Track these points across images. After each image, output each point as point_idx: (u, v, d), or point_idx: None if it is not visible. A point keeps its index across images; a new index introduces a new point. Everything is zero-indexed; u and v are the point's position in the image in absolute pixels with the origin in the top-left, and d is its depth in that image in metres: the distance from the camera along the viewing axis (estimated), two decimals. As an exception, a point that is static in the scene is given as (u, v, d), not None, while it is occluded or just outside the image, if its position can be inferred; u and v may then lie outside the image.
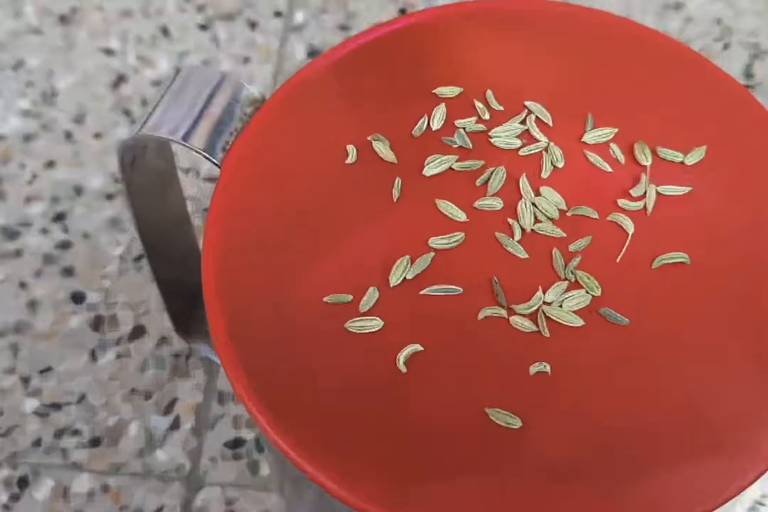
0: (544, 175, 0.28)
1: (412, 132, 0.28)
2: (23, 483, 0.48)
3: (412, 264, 0.26)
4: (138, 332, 0.52)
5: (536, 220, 0.27)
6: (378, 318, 0.25)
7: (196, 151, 0.27)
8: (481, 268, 0.26)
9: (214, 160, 0.27)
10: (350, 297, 0.25)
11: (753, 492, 0.43)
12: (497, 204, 0.27)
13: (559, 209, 0.27)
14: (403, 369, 0.24)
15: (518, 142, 0.28)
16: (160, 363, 0.51)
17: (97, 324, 0.52)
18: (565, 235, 0.26)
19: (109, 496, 0.48)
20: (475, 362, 0.25)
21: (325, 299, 0.26)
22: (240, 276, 0.26)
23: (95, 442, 0.49)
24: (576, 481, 0.23)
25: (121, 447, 0.49)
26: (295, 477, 0.26)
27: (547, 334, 0.25)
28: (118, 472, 0.48)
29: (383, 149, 0.28)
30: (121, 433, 0.49)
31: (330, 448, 0.24)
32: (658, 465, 0.23)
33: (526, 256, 0.26)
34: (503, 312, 0.25)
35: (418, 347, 0.25)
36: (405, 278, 0.26)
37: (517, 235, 0.27)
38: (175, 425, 0.50)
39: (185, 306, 0.40)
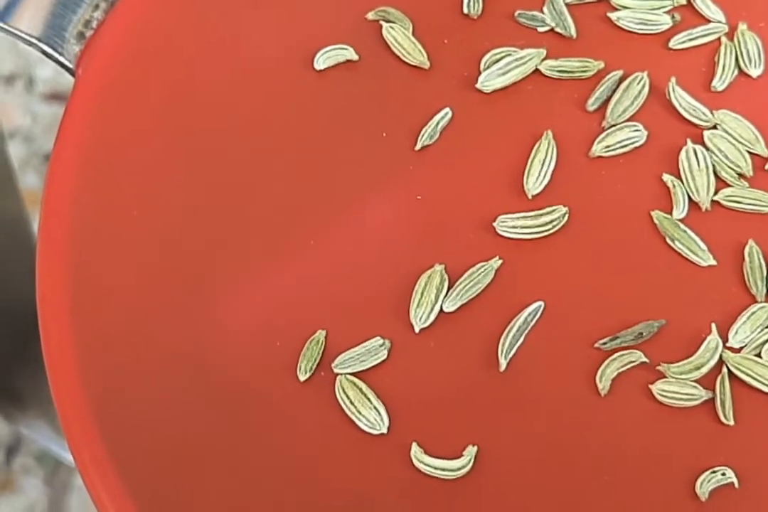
0: (720, 84, 0.22)
1: (461, 4, 0.23)
2: None
3: (452, 280, 0.21)
4: None
5: (719, 181, 0.21)
6: (377, 402, 0.20)
7: (26, 41, 0.22)
8: (602, 283, 0.21)
9: (62, 59, 0.22)
10: (321, 336, 0.20)
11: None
12: (631, 141, 0.22)
13: (752, 155, 0.21)
14: (462, 471, 0.20)
15: (667, 21, 0.23)
16: None
17: None
18: None
19: None
20: (582, 472, 0.20)
21: (286, 345, 0.21)
22: (111, 296, 0.21)
23: None
24: None
25: None
26: None
27: (729, 418, 0.19)
28: None
29: (400, 39, 0.23)
30: None
31: None
32: None
33: (703, 254, 0.21)
34: (645, 374, 0.20)
35: (467, 458, 0.20)
36: (441, 311, 0.20)
37: (682, 210, 0.21)
38: None
39: (7, 356, 0.34)
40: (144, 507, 0.20)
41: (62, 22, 0.23)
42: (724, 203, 0.21)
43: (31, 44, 0.23)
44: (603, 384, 0.20)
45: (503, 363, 0.20)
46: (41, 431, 0.35)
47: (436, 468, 0.20)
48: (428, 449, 0.20)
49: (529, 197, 0.22)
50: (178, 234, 0.22)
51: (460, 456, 0.20)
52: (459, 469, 0.20)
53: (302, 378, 0.20)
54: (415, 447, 0.20)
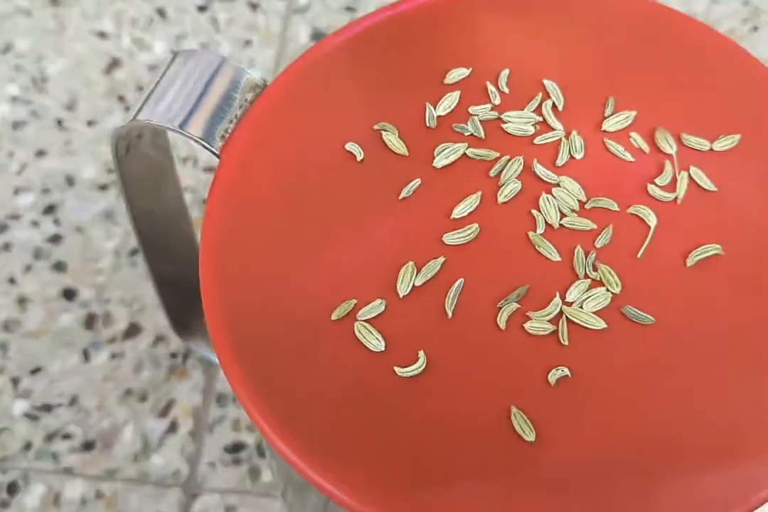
0: (560, 162, 0.27)
1: (425, 120, 0.27)
2: (13, 489, 0.47)
3: (419, 269, 0.25)
4: (133, 330, 0.51)
5: (562, 214, 0.26)
6: (378, 335, 0.25)
7: (194, 140, 0.26)
8: (498, 270, 0.25)
9: (212, 149, 0.26)
10: (354, 302, 0.25)
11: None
12: (514, 190, 0.26)
13: (578, 201, 0.26)
14: (419, 370, 0.24)
15: (532, 130, 0.27)
16: (156, 363, 0.49)
17: (89, 322, 0.51)
18: (594, 227, 0.26)
19: (103, 503, 0.46)
20: (489, 371, 0.24)
21: (331, 304, 0.25)
22: (240, 272, 0.25)
23: (88, 446, 0.48)
24: (587, 494, 0.23)
25: (116, 452, 0.48)
26: (299, 484, 0.26)
27: (566, 341, 0.24)
28: (113, 478, 0.47)
29: (393, 140, 0.27)
30: (115, 437, 0.48)
31: (336, 455, 0.23)
32: (680, 474, 0.23)
33: (553, 252, 0.26)
34: (523, 318, 0.25)
35: (421, 362, 0.24)
36: (414, 285, 0.25)
37: (541, 228, 0.26)
38: (171, 428, 0.48)
39: (183, 303, 0.39)
40: (259, 387, 0.24)
41: (214, 128, 0.26)
42: (566, 225, 0.26)
43: (195, 141, 0.26)
44: (503, 324, 0.24)
45: (449, 312, 0.24)
46: (201, 346, 0.43)
47: (406, 372, 0.24)
48: (405, 360, 0.24)
49: (451, 218, 0.26)
50: (283, 244, 0.26)
51: (416, 360, 0.24)
52: (417, 369, 0.24)
53: (334, 317, 0.24)
54: (396, 368, 0.24)
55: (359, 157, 0.26)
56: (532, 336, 0.24)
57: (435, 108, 0.27)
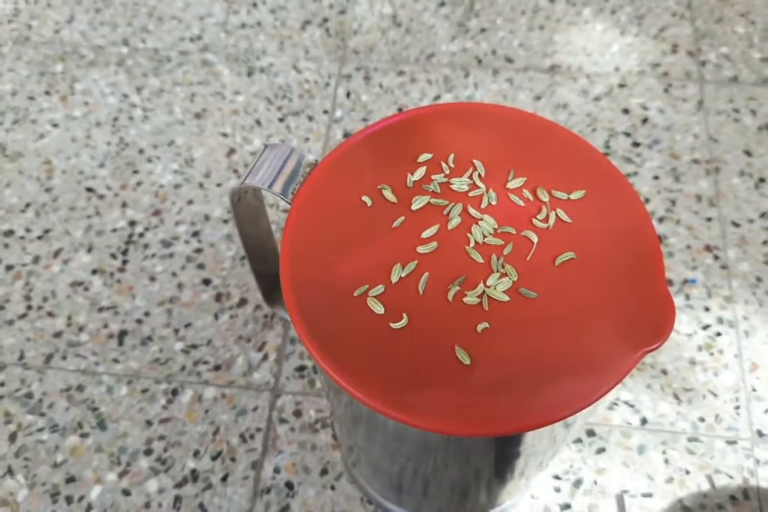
0: (483, 206, 0.25)
1: (406, 183, 0.26)
2: (175, 392, 0.46)
3: (403, 267, 0.24)
4: (242, 302, 0.49)
5: (484, 235, 0.24)
6: (381, 304, 0.23)
7: (276, 195, 0.25)
8: (448, 268, 0.24)
9: (286, 200, 0.25)
10: (366, 286, 0.23)
11: (610, 396, 0.41)
12: (456, 224, 0.25)
13: (493, 228, 0.25)
14: (403, 325, 0.22)
15: (467, 188, 0.25)
16: (255, 320, 0.48)
17: (218, 297, 0.50)
18: (502, 242, 0.24)
19: (226, 400, 0.46)
20: (443, 325, 0.23)
21: (353, 287, 0.23)
22: (302, 269, 0.24)
23: (217, 368, 0.47)
24: (502, 393, 0.21)
25: (233, 371, 0.47)
26: (335, 388, 0.23)
27: (487, 308, 0.23)
28: (231, 386, 0.46)
29: (388, 194, 0.25)
30: (232, 362, 0.47)
31: (354, 371, 0.22)
32: (555, 381, 0.21)
33: (479, 257, 0.24)
34: (462, 294, 0.23)
35: (405, 320, 0.22)
36: (401, 276, 0.24)
37: (472, 244, 0.24)
38: (264, 357, 0.47)
39: (270, 286, 0.38)
40: (312, 333, 0.22)
41: (287, 188, 0.25)
42: (486, 242, 0.24)
43: (277, 195, 0.25)
44: (451, 298, 0.23)
45: (421, 291, 0.23)
46: (280, 310, 0.41)
47: (396, 325, 0.22)
48: (396, 318, 0.22)
49: (421, 238, 0.24)
50: (325, 253, 0.24)
51: (402, 319, 0.22)
52: (402, 324, 0.22)
53: (356, 294, 0.23)
54: (390, 323, 0.22)
55: (369, 204, 0.25)
56: (468, 305, 0.23)
57: (412, 175, 0.25)
